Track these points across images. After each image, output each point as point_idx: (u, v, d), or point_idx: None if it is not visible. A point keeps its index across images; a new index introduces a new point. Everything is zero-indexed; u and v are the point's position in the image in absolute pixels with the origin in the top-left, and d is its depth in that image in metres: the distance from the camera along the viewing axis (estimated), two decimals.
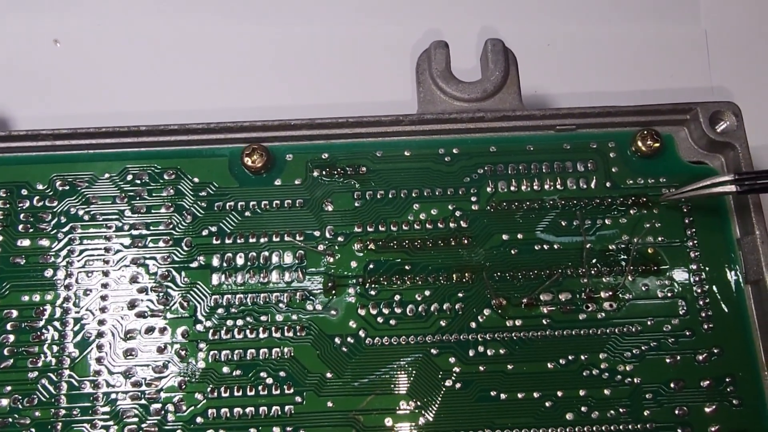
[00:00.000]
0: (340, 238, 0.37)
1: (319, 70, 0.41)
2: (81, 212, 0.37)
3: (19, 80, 0.43)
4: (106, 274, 0.37)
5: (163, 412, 0.35)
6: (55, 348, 0.36)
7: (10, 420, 0.35)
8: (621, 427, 0.35)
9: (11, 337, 0.36)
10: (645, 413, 0.35)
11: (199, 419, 0.35)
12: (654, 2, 0.44)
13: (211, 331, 0.36)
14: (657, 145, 0.38)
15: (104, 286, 0.36)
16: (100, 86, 0.42)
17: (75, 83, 0.43)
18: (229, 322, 0.36)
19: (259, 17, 0.42)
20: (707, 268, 0.37)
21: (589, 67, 0.43)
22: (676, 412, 0.35)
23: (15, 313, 0.36)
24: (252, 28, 0.41)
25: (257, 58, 0.41)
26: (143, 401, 0.35)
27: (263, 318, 0.36)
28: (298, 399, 0.35)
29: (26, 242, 0.37)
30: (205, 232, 0.37)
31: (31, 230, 0.37)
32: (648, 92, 0.41)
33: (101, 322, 0.36)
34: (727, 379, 0.35)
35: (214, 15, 0.42)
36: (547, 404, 0.35)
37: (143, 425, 0.35)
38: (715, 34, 0.44)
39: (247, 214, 0.37)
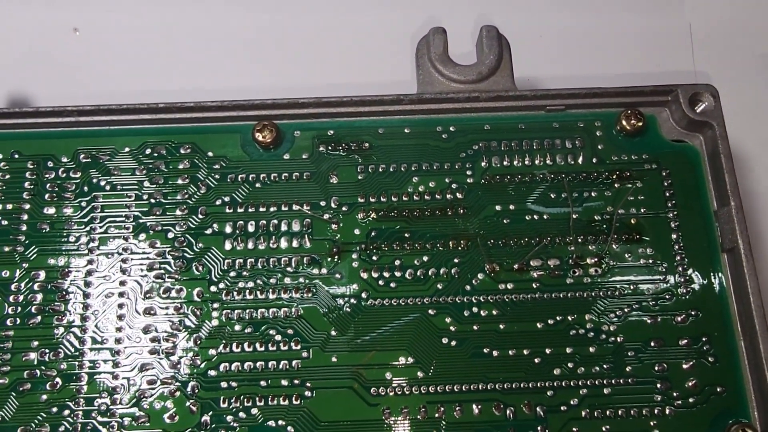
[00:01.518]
0: (344, 208, 0.41)
1: (326, 54, 0.45)
2: (103, 182, 0.41)
3: (41, 67, 0.47)
4: (126, 239, 0.40)
5: (179, 365, 0.39)
6: (80, 306, 0.39)
7: (38, 372, 0.38)
8: (605, 381, 0.38)
9: (39, 297, 0.39)
10: (627, 369, 0.39)
11: (212, 372, 0.38)
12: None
13: (224, 292, 0.40)
14: (640, 124, 0.42)
15: (125, 250, 0.40)
16: (119, 71, 0.46)
17: (95, 69, 0.46)
18: (241, 284, 0.40)
19: (268, 5, 0.46)
20: (686, 238, 0.40)
21: (579, 58, 0.47)
22: (656, 368, 0.39)
23: (42, 274, 0.40)
24: (262, 15, 0.46)
25: (268, 43, 0.45)
26: (161, 355, 0.39)
27: (272, 280, 0.40)
28: (305, 354, 0.39)
29: (51, 210, 0.41)
30: (218, 202, 0.41)
31: (56, 199, 0.41)
32: (633, 76, 0.45)
33: (122, 283, 0.40)
34: (704, 339, 0.39)
35: (226, 4, 0.46)
36: (536, 360, 0.39)
37: (161, 376, 0.38)
38: (699, 26, 0.48)
39: (258, 185, 0.41)
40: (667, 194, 0.41)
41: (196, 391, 0.38)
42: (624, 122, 0.42)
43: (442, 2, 0.45)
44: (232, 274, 0.40)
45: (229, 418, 0.38)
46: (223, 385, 0.38)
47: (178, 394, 0.38)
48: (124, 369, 0.39)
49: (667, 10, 0.48)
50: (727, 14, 0.48)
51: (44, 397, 0.38)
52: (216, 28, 0.45)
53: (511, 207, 0.41)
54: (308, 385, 0.38)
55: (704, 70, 0.46)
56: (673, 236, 0.40)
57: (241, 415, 0.38)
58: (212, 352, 0.39)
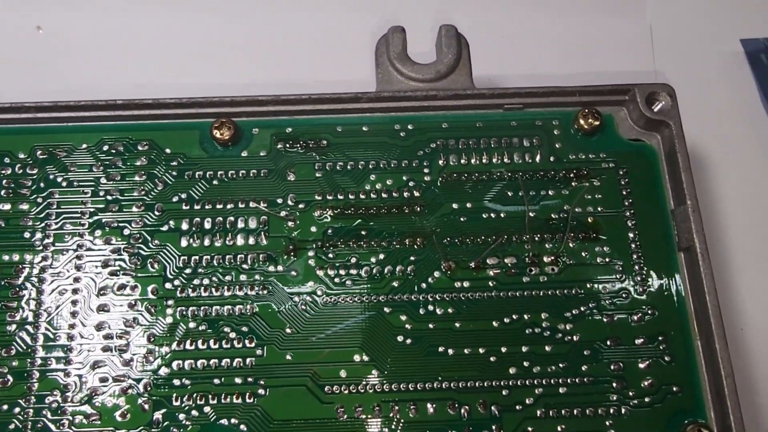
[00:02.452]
0: (301, 206, 0.41)
1: (286, 52, 0.45)
2: (59, 179, 0.41)
3: (2, 65, 0.47)
4: (81, 235, 0.40)
5: (132, 363, 0.38)
6: (33, 303, 0.39)
7: None
8: (560, 380, 0.38)
9: None
10: (583, 368, 0.38)
11: (165, 370, 0.38)
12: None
13: (179, 289, 0.40)
14: (597, 123, 0.42)
15: (80, 246, 0.40)
16: (81, 69, 0.46)
17: (56, 67, 0.47)
18: (196, 281, 0.40)
19: (226, 5, 0.46)
20: (643, 236, 0.41)
21: (539, 58, 0.48)
22: (612, 367, 0.38)
23: None
24: (220, 15, 0.46)
25: (226, 41, 0.45)
26: (114, 353, 0.39)
27: (227, 278, 0.40)
28: (259, 352, 0.39)
29: (7, 206, 0.41)
30: (175, 199, 0.41)
31: (11, 195, 0.41)
32: (593, 75, 0.45)
33: (76, 279, 0.40)
34: (660, 338, 0.39)
35: (185, 5, 0.46)
36: (491, 359, 0.39)
37: (114, 374, 0.38)
38: (659, 28, 0.49)
39: (215, 182, 0.41)
40: (624, 193, 0.41)
41: (149, 388, 0.38)
42: (581, 121, 0.42)
43: (402, 1, 0.46)
44: (188, 271, 0.40)
45: (182, 416, 0.38)
46: (176, 382, 0.38)
47: (130, 391, 0.38)
48: (77, 366, 0.38)
49: (628, 11, 0.48)
50: (688, 16, 0.48)
51: None
52: (175, 28, 0.46)
53: (468, 205, 0.41)
54: (262, 383, 0.38)
55: (664, 71, 0.46)
56: (630, 235, 0.41)
57: (194, 413, 0.38)
58: (166, 349, 0.39)
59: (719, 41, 0.48)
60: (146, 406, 0.38)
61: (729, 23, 0.48)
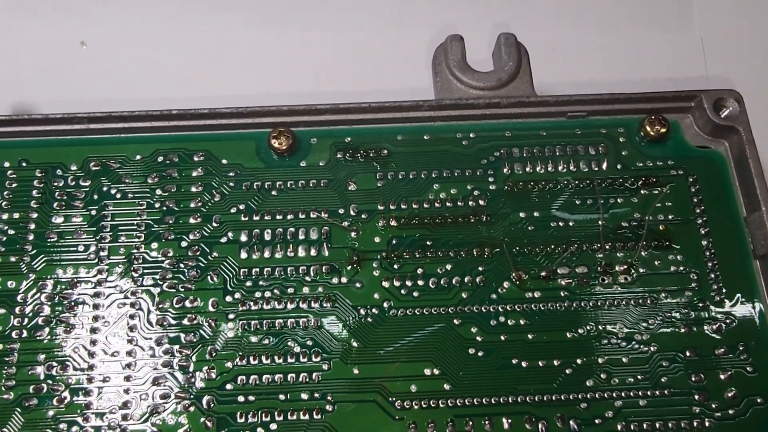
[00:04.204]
0: (363, 216, 0.40)
1: (344, 61, 0.45)
2: (113, 191, 0.41)
3: (49, 80, 0.47)
4: (137, 248, 0.40)
5: (193, 379, 0.37)
6: (89, 318, 0.38)
7: (45, 387, 0.37)
8: (640, 392, 0.37)
9: (46, 308, 0.38)
10: (662, 380, 0.38)
11: (228, 386, 0.37)
12: (652, 12, 0.49)
13: (240, 302, 0.39)
14: (664, 129, 0.42)
15: (136, 259, 0.39)
16: (128, 83, 0.46)
17: (103, 82, 0.46)
18: (257, 294, 0.39)
19: (286, 15, 0.46)
20: (717, 244, 0.40)
21: (593, 69, 0.48)
22: (692, 378, 0.38)
23: (50, 285, 0.39)
24: (277, 25, 0.46)
25: (284, 52, 0.45)
26: (175, 368, 0.38)
27: (290, 290, 0.39)
28: (325, 366, 0.38)
29: (60, 219, 0.40)
30: (233, 210, 0.40)
31: (64, 208, 0.40)
32: (649, 83, 0.45)
33: (133, 293, 0.39)
34: (740, 348, 0.38)
35: (243, 17, 0.46)
36: (567, 371, 0.38)
37: (175, 390, 0.37)
38: (710, 39, 0.49)
39: (274, 193, 0.41)
40: (695, 200, 0.41)
41: (212, 405, 0.37)
42: (648, 128, 0.42)
43: (457, 12, 0.46)
44: (249, 283, 0.39)
45: None
46: (240, 399, 0.37)
47: (192, 408, 0.37)
48: (136, 382, 0.37)
49: (677, 24, 0.48)
50: (736, 26, 0.49)
51: (51, 412, 0.37)
52: (230, 38, 0.46)
53: (536, 214, 0.41)
54: (329, 398, 0.37)
55: (719, 77, 0.46)
56: (704, 243, 0.40)
57: (259, 430, 0.36)
58: (228, 364, 0.38)
59: None
60: (209, 424, 0.37)
61: None
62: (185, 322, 0.38)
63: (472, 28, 0.44)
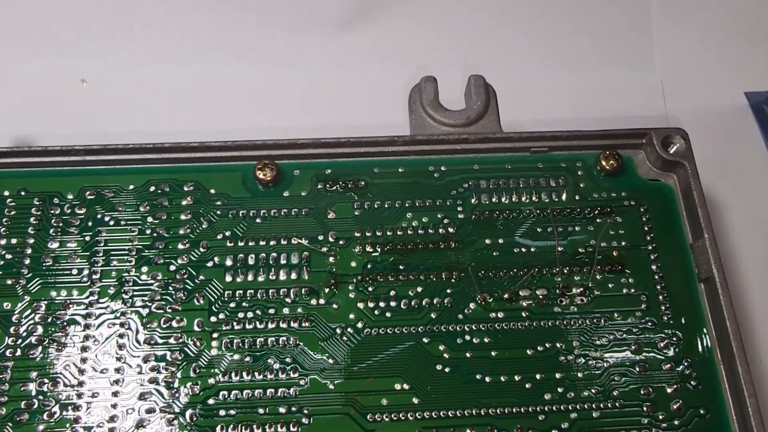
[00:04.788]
0: (341, 242, 0.43)
1: (325, 100, 0.48)
2: (107, 218, 0.43)
3: (49, 116, 0.49)
4: (128, 272, 0.42)
5: (178, 394, 0.39)
6: (80, 337, 0.40)
7: (36, 402, 0.39)
8: (593, 405, 0.40)
9: (39, 328, 0.40)
10: (614, 393, 0.40)
11: (211, 401, 0.39)
12: (614, 54, 0.53)
13: (224, 322, 0.41)
14: (617, 164, 0.45)
15: (127, 282, 0.42)
16: (125, 120, 0.48)
17: (101, 119, 0.49)
18: (240, 314, 0.41)
19: (267, 58, 0.49)
20: (665, 268, 0.43)
21: (557, 107, 0.51)
22: (642, 391, 0.40)
23: (43, 306, 0.41)
24: (262, 66, 0.49)
25: (268, 91, 0.48)
26: (160, 384, 0.40)
27: (271, 311, 0.41)
28: (303, 382, 0.40)
29: (55, 244, 0.42)
30: (219, 236, 0.43)
31: (60, 234, 0.42)
32: (609, 121, 0.48)
33: (123, 314, 0.41)
34: (686, 363, 0.41)
35: (229, 57, 0.49)
36: (527, 386, 0.40)
37: (160, 405, 0.39)
38: (669, 82, 0.52)
39: (258, 220, 0.43)
40: (646, 228, 0.44)
41: (195, 419, 0.39)
42: (603, 162, 0.45)
43: (431, 54, 0.49)
44: (232, 304, 0.41)
45: None
46: (221, 413, 0.39)
47: (176, 422, 0.39)
48: (124, 398, 0.39)
49: (638, 66, 0.52)
50: (695, 70, 0.52)
51: (41, 427, 0.38)
52: (219, 77, 0.49)
53: (500, 240, 0.43)
54: (305, 411, 0.39)
55: (676, 117, 0.50)
56: (653, 267, 0.43)
57: None
58: (211, 381, 0.40)
59: (725, 93, 0.51)
60: None
61: (733, 77, 0.52)
62: (171, 341, 0.41)
63: (445, 68, 0.48)
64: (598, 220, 0.44)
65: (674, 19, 0.53)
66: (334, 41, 0.49)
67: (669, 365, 0.41)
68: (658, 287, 0.42)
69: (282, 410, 0.39)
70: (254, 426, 0.39)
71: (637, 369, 0.41)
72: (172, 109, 0.48)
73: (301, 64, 0.49)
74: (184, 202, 0.43)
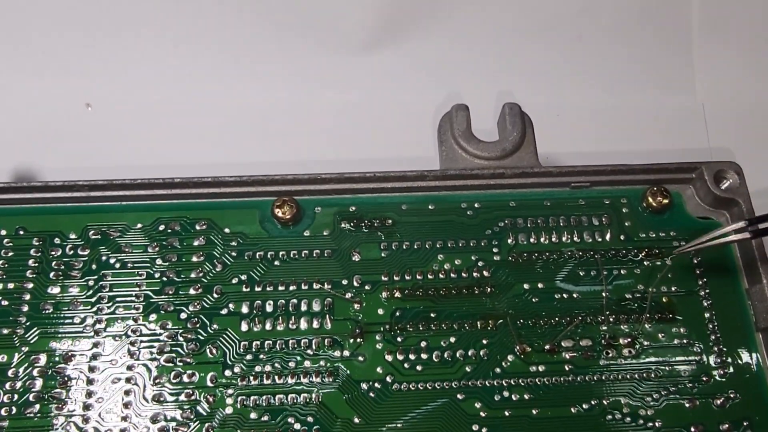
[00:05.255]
0: (367, 287, 0.39)
1: (347, 129, 0.43)
2: (112, 260, 0.39)
3: (52, 142, 0.44)
4: (135, 320, 0.38)
5: None
6: (83, 393, 0.36)
7: None
8: None
9: (38, 383, 0.36)
10: None
11: None
12: (654, 79, 0.48)
13: (240, 376, 0.37)
14: (666, 201, 0.41)
15: (133, 332, 0.37)
16: (132, 146, 0.44)
17: (107, 144, 0.44)
18: (257, 368, 0.37)
19: (287, 82, 0.45)
20: (720, 317, 0.39)
21: (594, 136, 0.47)
22: None
23: (43, 359, 0.37)
24: (281, 91, 0.44)
25: (287, 117, 0.44)
26: None
27: (291, 363, 0.37)
28: None
29: (56, 290, 0.38)
30: (234, 280, 0.39)
31: (61, 278, 0.38)
32: (650, 154, 0.44)
33: (129, 368, 0.37)
34: (745, 423, 0.37)
35: (244, 80, 0.45)
36: None
37: None
38: (712, 106, 0.48)
39: (276, 263, 0.39)
40: (697, 272, 0.40)
41: None
42: (650, 199, 0.41)
43: (462, 79, 0.45)
44: (249, 357, 0.37)
45: None
46: None
47: None
48: None
49: (678, 90, 0.48)
50: (737, 93, 0.48)
51: None
52: (234, 103, 0.44)
53: (540, 285, 0.39)
54: None
55: (720, 147, 0.46)
56: (707, 315, 0.39)
57: None
58: None
59: None
60: None
61: None
62: (182, 397, 0.36)
63: (476, 94, 0.43)
64: (645, 263, 0.40)
65: (716, 43, 0.49)
66: (358, 63, 0.45)
67: (726, 425, 0.37)
68: (713, 337, 0.38)
69: None
70: None
71: (692, 429, 0.36)
72: (183, 136, 0.43)
73: (323, 88, 0.45)
74: (196, 243, 0.39)
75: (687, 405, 0.37)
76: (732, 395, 0.37)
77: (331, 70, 0.45)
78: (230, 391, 0.36)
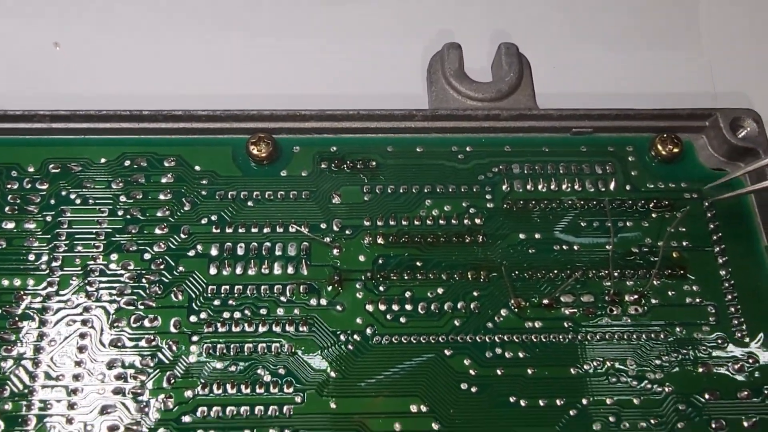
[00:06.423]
0: (347, 231, 0.34)
1: (331, 64, 0.38)
2: (72, 195, 0.34)
3: (16, 81, 0.40)
4: (94, 259, 0.33)
5: (147, 408, 0.30)
6: (34, 335, 0.31)
7: None
8: None
9: None
10: (679, 425, 0.31)
11: (187, 418, 0.30)
12: (658, 28, 0.43)
13: (206, 323, 0.32)
14: (677, 150, 0.35)
15: (92, 271, 0.32)
16: (101, 84, 0.39)
17: (75, 83, 0.39)
18: (226, 315, 0.32)
19: (270, 14, 0.39)
20: (736, 275, 0.33)
21: (595, 86, 0.41)
22: (713, 425, 0.31)
23: None
24: (263, 23, 0.39)
25: (266, 49, 0.38)
26: (127, 396, 0.30)
27: (263, 311, 0.32)
28: (298, 399, 0.31)
29: (11, 225, 0.33)
30: (204, 221, 0.33)
31: (17, 212, 0.33)
32: (658, 97, 0.39)
33: (86, 309, 0.32)
34: (766, 391, 0.31)
35: (223, 22, 0.39)
36: (571, 413, 0.31)
37: (125, 421, 0.30)
38: (718, 58, 0.43)
39: (250, 203, 0.34)
40: (711, 227, 0.34)
41: None
42: (660, 147, 0.35)
43: (454, 18, 0.40)
44: (217, 302, 0.32)
45: None
46: None
47: None
48: (81, 411, 0.30)
49: (684, 41, 0.42)
50: (744, 51, 0.43)
51: None
52: (208, 36, 0.39)
53: (537, 236, 0.34)
54: None
55: (728, 93, 0.40)
56: (722, 273, 0.33)
57: None
58: (188, 393, 0.30)
59: None
60: None
61: None
62: (142, 343, 0.31)
63: (469, 36, 0.38)
64: (653, 215, 0.35)
65: None
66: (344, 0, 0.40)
67: (745, 392, 0.31)
68: (729, 297, 0.33)
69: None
70: None
71: (707, 396, 0.31)
72: (155, 78, 0.38)
73: (305, 24, 0.39)
74: (163, 180, 0.34)
75: (700, 370, 0.32)
76: (751, 361, 0.32)
77: (315, 7, 0.40)
78: (195, 339, 0.31)
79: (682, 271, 0.33)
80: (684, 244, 0.34)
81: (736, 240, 0.34)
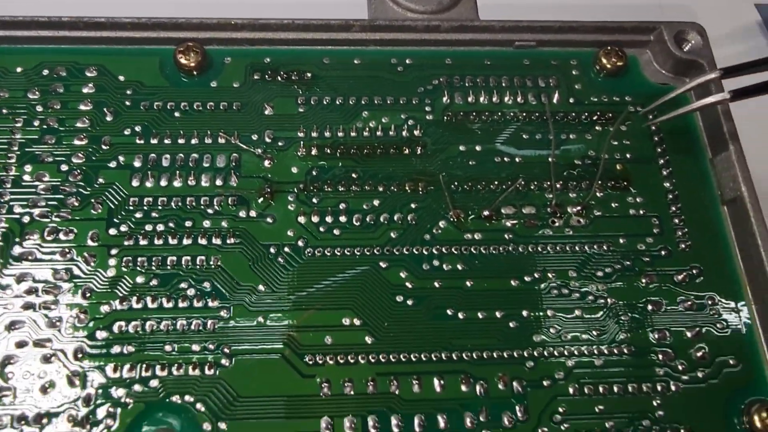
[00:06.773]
0: (280, 143, 0.31)
1: None
2: None
3: None
4: (6, 169, 0.30)
5: (59, 324, 0.28)
6: None
7: None
8: (595, 350, 0.29)
9: None
10: (621, 336, 0.29)
11: (102, 333, 0.28)
12: None
13: (126, 235, 0.29)
14: (621, 63, 0.34)
15: (4, 182, 0.30)
16: None
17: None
18: (148, 227, 0.29)
19: None
20: (680, 187, 0.32)
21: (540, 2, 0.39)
22: (656, 335, 0.29)
23: None
24: None
25: None
26: (37, 311, 0.28)
27: (188, 223, 0.30)
28: (224, 314, 0.28)
29: None
30: (127, 131, 0.31)
31: None
32: (602, 8, 0.37)
33: None
34: (709, 301, 0.30)
35: None
36: (511, 325, 0.29)
37: (35, 337, 0.27)
38: None
39: (177, 114, 0.31)
40: (655, 139, 0.33)
41: (79, 356, 0.27)
42: (604, 60, 0.34)
43: None
44: (138, 214, 0.30)
45: (120, 391, 0.27)
46: (116, 349, 0.27)
47: (54, 360, 0.27)
48: None
49: None
50: None
51: None
52: None
53: (478, 148, 0.32)
54: (226, 351, 0.28)
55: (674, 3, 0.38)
56: (666, 185, 0.32)
57: (137, 387, 0.27)
58: (105, 308, 0.28)
59: (734, 4, 0.41)
60: (75, 379, 0.27)
61: None
62: (57, 257, 0.29)
63: None
64: (596, 128, 0.33)
65: None
66: None
67: (689, 303, 0.30)
68: (673, 208, 0.31)
69: (195, 348, 0.28)
70: (157, 368, 0.27)
71: (650, 307, 0.30)
72: None
73: None
74: (85, 90, 0.32)
75: (643, 280, 0.30)
76: (695, 272, 0.30)
77: None
78: (114, 251, 0.29)
79: (625, 183, 0.32)
80: (628, 156, 0.32)
81: (680, 152, 0.33)
